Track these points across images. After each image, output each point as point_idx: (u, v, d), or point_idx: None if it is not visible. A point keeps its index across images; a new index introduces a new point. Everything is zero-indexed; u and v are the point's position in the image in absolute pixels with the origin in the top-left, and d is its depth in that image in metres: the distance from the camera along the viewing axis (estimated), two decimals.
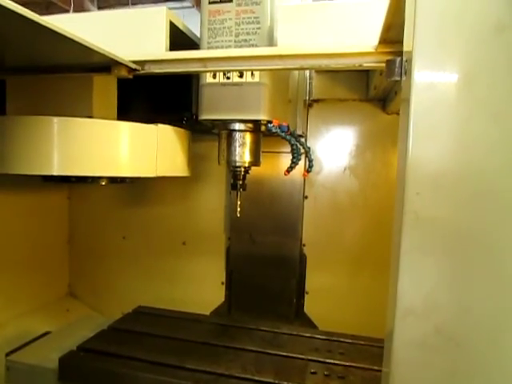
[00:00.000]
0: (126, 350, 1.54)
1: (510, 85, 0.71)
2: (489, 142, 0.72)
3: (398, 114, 0.88)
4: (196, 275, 2.22)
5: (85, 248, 2.39)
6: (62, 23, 0.95)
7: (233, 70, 1.41)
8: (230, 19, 1.44)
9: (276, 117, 1.47)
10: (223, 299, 2.16)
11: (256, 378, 1.39)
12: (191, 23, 1.65)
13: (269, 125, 1.46)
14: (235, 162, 1.58)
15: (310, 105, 1.98)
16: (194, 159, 1.79)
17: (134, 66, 1.23)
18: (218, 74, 1.45)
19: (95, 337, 1.65)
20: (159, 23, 1.44)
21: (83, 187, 2.32)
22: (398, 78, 0.89)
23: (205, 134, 1.87)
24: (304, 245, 2.04)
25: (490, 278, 0.73)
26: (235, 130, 1.55)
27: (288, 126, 1.50)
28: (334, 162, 1.99)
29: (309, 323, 2.04)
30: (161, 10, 1.45)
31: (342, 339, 1.70)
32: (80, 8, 7.70)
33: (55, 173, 1.31)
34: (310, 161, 1.75)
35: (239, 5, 1.43)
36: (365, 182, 1.96)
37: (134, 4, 8.25)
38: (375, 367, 1.44)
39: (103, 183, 1.57)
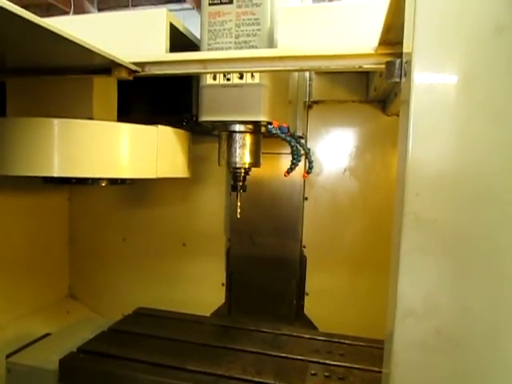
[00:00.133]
0: (126, 351, 1.54)
1: (510, 86, 0.71)
2: (488, 143, 0.72)
3: (397, 115, 0.88)
4: (196, 276, 2.22)
5: (85, 249, 2.39)
6: (63, 25, 0.96)
7: (233, 72, 1.41)
8: (230, 21, 1.45)
9: (276, 118, 1.48)
10: (223, 300, 2.16)
11: (256, 380, 1.39)
12: (191, 25, 1.65)
13: (269, 126, 1.47)
14: (235, 163, 1.58)
15: (309, 106, 1.98)
16: (195, 160, 1.79)
17: (134, 67, 1.24)
18: (218, 75, 1.46)
19: (95, 338, 1.65)
20: (159, 25, 1.44)
21: (83, 189, 2.32)
22: (397, 80, 0.89)
23: (205, 135, 1.87)
24: (304, 246, 2.04)
25: (489, 279, 0.73)
26: (235, 132, 1.55)
27: (288, 128, 1.50)
28: (333, 163, 1.99)
29: (309, 324, 2.03)
30: (161, 12, 1.45)
31: (342, 340, 1.70)
32: (80, 10, 7.71)
33: (56, 174, 1.31)
34: (310, 162, 1.75)
35: (239, 6, 1.44)
36: (365, 184, 1.96)
37: (134, 6, 8.27)
38: (375, 368, 1.44)
39: (103, 184, 1.57)
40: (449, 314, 0.75)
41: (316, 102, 1.98)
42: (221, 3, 1.45)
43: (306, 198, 2.02)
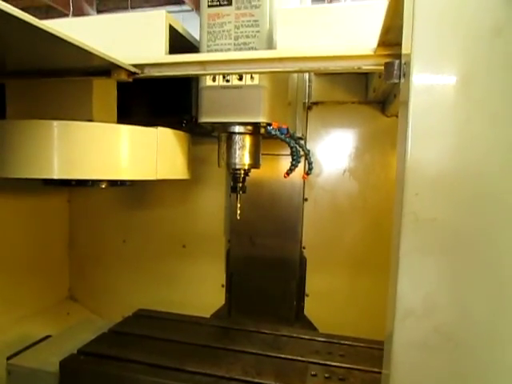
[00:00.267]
0: (126, 353, 1.54)
1: (507, 86, 0.71)
2: (487, 144, 0.72)
3: (397, 116, 0.88)
4: (196, 278, 2.22)
5: (85, 251, 2.39)
6: (62, 27, 0.96)
7: (232, 73, 1.42)
8: (230, 22, 1.45)
9: (275, 119, 1.48)
10: (223, 302, 2.16)
11: (256, 381, 1.39)
12: (190, 26, 1.65)
13: (268, 127, 1.47)
14: (235, 164, 1.58)
15: (309, 107, 1.98)
16: (194, 162, 1.79)
17: (133, 69, 1.24)
18: (217, 76, 1.46)
19: (95, 340, 1.65)
20: (159, 27, 1.44)
21: (83, 190, 2.32)
22: (396, 81, 0.89)
23: (204, 136, 1.88)
24: (304, 247, 2.04)
25: (488, 279, 0.74)
26: (235, 133, 1.56)
27: (287, 129, 1.51)
28: (333, 164, 1.99)
29: (309, 326, 2.04)
30: (160, 14, 1.46)
31: (342, 341, 1.70)
32: (79, 12, 7.73)
33: (55, 176, 1.31)
34: (310, 163, 1.76)
35: (238, 8, 1.44)
36: (364, 184, 1.96)
37: (133, 8, 8.28)
38: (375, 369, 1.44)
39: (103, 186, 1.58)
40: (448, 314, 0.76)
41: (315, 103, 1.98)
42: (220, 5, 1.46)
43: (306, 199, 2.02)
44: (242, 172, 1.63)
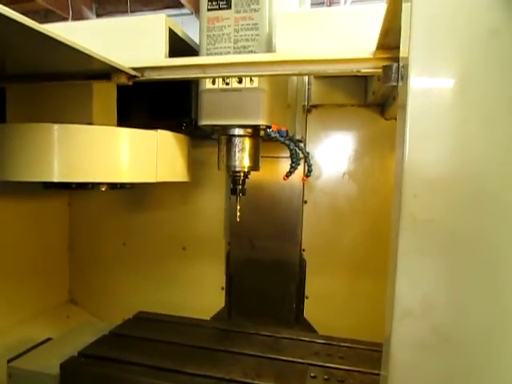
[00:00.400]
0: (126, 355, 1.54)
1: (503, 89, 0.72)
2: (483, 145, 0.73)
3: (396, 119, 0.88)
4: (196, 280, 2.22)
5: (85, 254, 2.39)
6: (62, 31, 0.96)
7: (232, 76, 1.42)
8: (229, 26, 1.46)
9: (275, 122, 1.48)
10: (223, 304, 2.17)
11: (256, 382, 1.39)
12: (190, 30, 1.66)
13: (268, 130, 1.47)
14: (235, 166, 1.59)
15: (308, 110, 1.99)
16: (194, 165, 1.80)
17: (133, 72, 1.24)
18: (217, 79, 1.46)
19: (96, 342, 1.66)
20: (158, 30, 1.45)
21: (83, 193, 2.32)
22: (394, 84, 0.90)
23: (204, 139, 1.88)
24: (303, 249, 2.05)
25: (486, 279, 0.74)
26: (234, 136, 1.56)
27: (287, 131, 1.51)
28: (333, 166, 1.99)
29: (309, 328, 2.04)
30: (160, 17, 1.46)
31: (341, 343, 1.70)
32: (79, 16, 7.74)
33: (56, 179, 1.31)
34: (309, 165, 1.76)
35: (238, 12, 1.45)
36: (364, 187, 1.97)
37: (132, 11, 8.28)
38: (375, 371, 1.45)
39: (103, 189, 1.58)
40: (446, 314, 0.76)
41: (315, 106, 1.99)
42: (219, 8, 1.46)
43: (306, 202, 2.02)
44: (242, 174, 1.63)
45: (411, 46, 0.75)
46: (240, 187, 1.65)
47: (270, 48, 1.43)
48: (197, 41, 1.55)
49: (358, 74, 1.13)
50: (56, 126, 1.30)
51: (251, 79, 1.43)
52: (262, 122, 1.46)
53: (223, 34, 1.46)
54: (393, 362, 0.80)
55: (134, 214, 2.29)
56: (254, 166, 1.62)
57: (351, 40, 1.28)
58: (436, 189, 0.75)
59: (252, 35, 1.44)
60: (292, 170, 1.69)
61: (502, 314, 0.74)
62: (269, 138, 1.50)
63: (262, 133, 1.55)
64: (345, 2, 6.56)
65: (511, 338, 0.75)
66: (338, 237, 2.02)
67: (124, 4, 8.36)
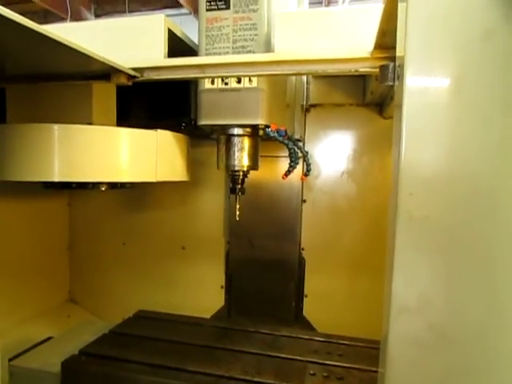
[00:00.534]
0: (127, 353, 1.55)
1: (498, 88, 0.73)
2: (478, 143, 0.74)
3: None
4: (196, 279, 2.23)
5: (85, 254, 2.40)
6: (61, 32, 0.97)
7: (231, 76, 1.43)
8: (228, 26, 1.46)
9: (274, 121, 1.49)
10: (223, 303, 2.17)
11: (256, 380, 1.40)
12: (188, 30, 1.66)
13: (267, 129, 1.48)
14: (234, 166, 1.59)
15: (307, 110, 1.99)
16: (193, 164, 1.81)
17: (133, 73, 1.25)
18: (216, 79, 1.47)
19: (97, 341, 1.67)
20: (157, 30, 1.45)
21: (83, 193, 2.33)
22: (391, 83, 0.91)
23: (203, 139, 1.89)
24: (303, 248, 2.05)
25: (481, 276, 0.75)
26: (233, 135, 1.57)
27: (286, 131, 1.52)
28: (331, 166, 2.00)
29: (308, 326, 2.04)
30: (159, 18, 1.47)
31: (340, 341, 1.71)
32: (77, 16, 7.72)
33: (56, 179, 1.32)
34: (308, 165, 1.77)
35: (236, 12, 1.45)
36: (362, 186, 1.97)
37: (131, 12, 8.27)
38: (373, 368, 1.46)
39: (103, 189, 1.59)
40: (442, 310, 0.77)
41: (313, 106, 1.99)
42: (218, 9, 1.47)
43: (305, 201, 2.03)
44: (241, 174, 1.64)
45: (407, 46, 0.76)
46: (239, 186, 1.66)
47: (268, 48, 1.44)
48: (196, 41, 1.55)
49: (356, 73, 1.13)
50: (56, 126, 1.31)
51: (250, 79, 1.44)
52: (260, 121, 1.46)
53: (222, 34, 1.47)
54: (390, 359, 0.80)
55: (134, 213, 2.30)
56: (253, 166, 1.63)
57: (349, 40, 1.28)
58: (431, 187, 0.76)
59: (250, 35, 1.45)
60: (291, 169, 1.70)
61: (497, 310, 0.75)
62: (268, 138, 1.51)
63: (260, 132, 1.56)
64: (343, 2, 6.55)
65: (507, 334, 0.75)
66: (337, 236, 2.02)
67: (122, 4, 8.34)
